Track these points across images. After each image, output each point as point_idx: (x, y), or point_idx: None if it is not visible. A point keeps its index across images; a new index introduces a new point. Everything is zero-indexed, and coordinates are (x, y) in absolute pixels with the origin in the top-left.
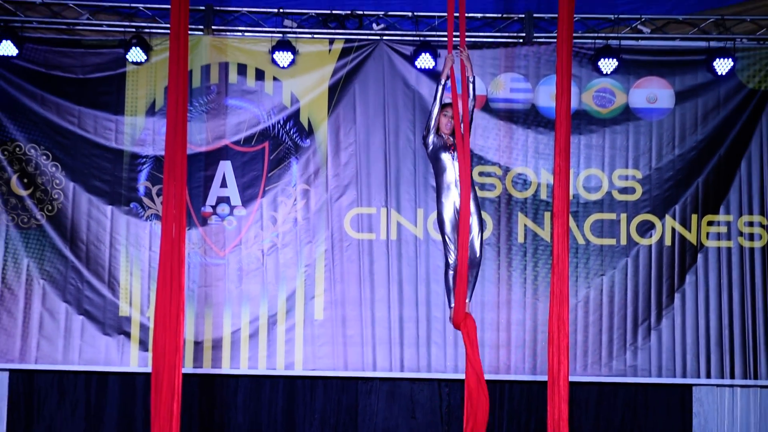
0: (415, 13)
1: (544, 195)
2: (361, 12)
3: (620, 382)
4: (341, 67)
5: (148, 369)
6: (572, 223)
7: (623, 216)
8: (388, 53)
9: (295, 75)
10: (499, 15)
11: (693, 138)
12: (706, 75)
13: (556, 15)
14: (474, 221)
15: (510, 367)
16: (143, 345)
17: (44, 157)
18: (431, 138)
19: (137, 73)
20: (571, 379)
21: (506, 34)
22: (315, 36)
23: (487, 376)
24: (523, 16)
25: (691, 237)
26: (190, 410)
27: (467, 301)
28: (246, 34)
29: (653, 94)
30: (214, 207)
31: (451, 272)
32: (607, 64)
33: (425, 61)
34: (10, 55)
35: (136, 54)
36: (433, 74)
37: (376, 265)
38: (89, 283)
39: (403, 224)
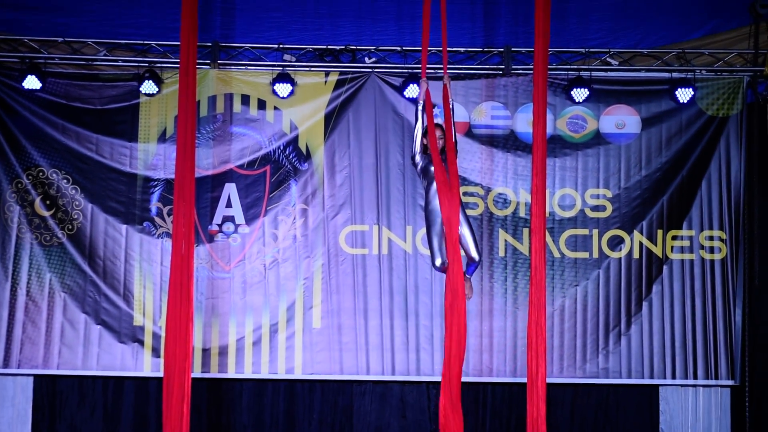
0: (404, 48)
1: (522, 213)
2: (354, 47)
3: (593, 383)
4: (336, 97)
5: (160, 374)
6: (549, 239)
7: (595, 231)
8: (379, 84)
9: (294, 104)
10: (481, 49)
11: (658, 160)
12: (669, 103)
13: (532, 49)
14: (465, 231)
15: (492, 370)
16: (156, 352)
17: (65, 181)
18: (418, 157)
19: (150, 104)
20: (549, 380)
21: (487, 66)
22: (312, 69)
23: (471, 379)
24: (502, 50)
25: (657, 250)
26: (198, 412)
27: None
28: (249, 67)
29: (621, 120)
30: (220, 225)
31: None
32: (579, 94)
33: (413, 91)
34: (34, 88)
35: (148, 86)
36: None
37: (369, 278)
38: (106, 296)
39: (394, 240)
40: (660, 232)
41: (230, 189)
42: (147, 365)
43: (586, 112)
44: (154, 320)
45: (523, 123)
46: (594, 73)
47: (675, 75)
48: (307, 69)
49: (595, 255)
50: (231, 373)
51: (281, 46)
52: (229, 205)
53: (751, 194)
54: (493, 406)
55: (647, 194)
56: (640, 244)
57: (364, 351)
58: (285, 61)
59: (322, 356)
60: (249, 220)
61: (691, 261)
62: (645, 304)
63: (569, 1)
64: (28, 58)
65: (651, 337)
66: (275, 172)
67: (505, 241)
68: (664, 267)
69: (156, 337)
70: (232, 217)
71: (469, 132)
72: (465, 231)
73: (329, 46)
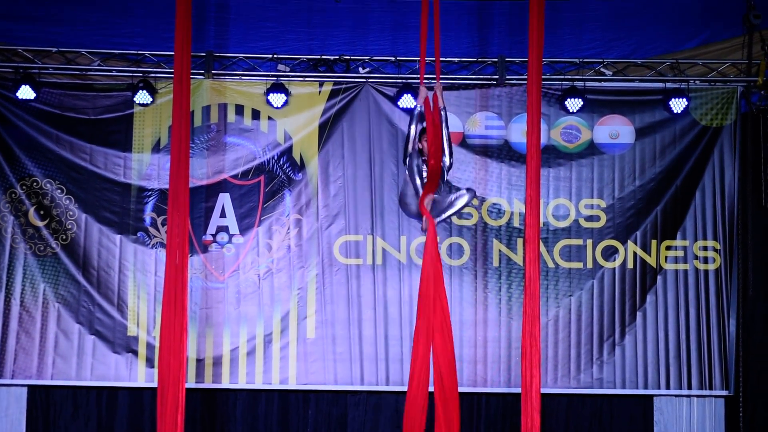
0: (398, 58)
1: (516, 223)
2: (348, 57)
3: (587, 393)
4: (330, 107)
5: (155, 384)
6: (543, 249)
7: (589, 242)
8: (373, 94)
9: (288, 114)
10: (475, 59)
11: (652, 170)
12: (663, 113)
13: (526, 59)
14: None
15: (487, 381)
16: (150, 362)
17: (59, 191)
18: (408, 161)
19: (144, 114)
20: (543, 390)
21: (481, 77)
22: (306, 79)
23: (466, 389)
24: (496, 60)
25: (651, 260)
26: (193, 422)
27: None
28: (243, 77)
29: (615, 130)
30: (214, 235)
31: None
32: (573, 104)
33: (407, 101)
34: (28, 98)
35: (142, 96)
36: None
37: (363, 288)
38: (100, 306)
39: (388, 250)
40: (654, 243)
41: (224, 199)
42: (141, 375)
43: (580, 123)
44: (148, 330)
45: (517, 133)
46: (588, 84)
47: (669, 85)
48: (301, 79)
49: (590, 265)
50: (225, 384)
51: (275, 56)
52: (223, 215)
53: (744, 204)
54: (488, 417)
55: (641, 204)
56: (634, 254)
57: (359, 361)
58: (279, 71)
59: (317, 366)
60: (243, 230)
61: (685, 271)
62: (639, 315)
63: (563, 11)
64: (22, 68)
65: (645, 348)
66: (269, 182)
67: (500, 251)
68: (658, 277)
69: (150, 347)
70: (227, 227)
71: (463, 142)
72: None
73: (323, 56)
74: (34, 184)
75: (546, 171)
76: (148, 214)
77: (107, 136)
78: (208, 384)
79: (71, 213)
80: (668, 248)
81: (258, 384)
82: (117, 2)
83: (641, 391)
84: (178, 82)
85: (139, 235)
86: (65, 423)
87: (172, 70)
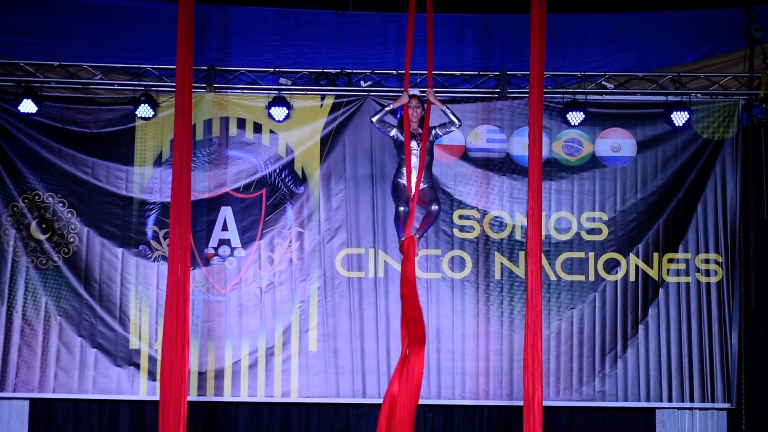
0: (400, 72)
1: (518, 236)
2: (350, 70)
3: (590, 406)
4: (332, 120)
5: (157, 397)
6: (545, 261)
7: (591, 254)
8: (374, 107)
9: (290, 128)
10: (476, 72)
11: (654, 183)
12: (664, 126)
13: (528, 72)
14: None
15: (489, 393)
16: (152, 375)
17: (61, 205)
18: (394, 132)
19: (146, 128)
20: (545, 403)
21: (483, 90)
22: (308, 93)
23: (467, 402)
24: (497, 73)
25: (653, 273)
26: None
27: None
28: (245, 91)
29: (617, 143)
30: (216, 249)
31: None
32: (575, 117)
33: None
34: (30, 112)
35: (144, 110)
36: None
37: (365, 301)
38: (102, 319)
39: (390, 263)
40: (656, 255)
41: (226, 212)
42: (143, 388)
43: (582, 136)
44: (150, 343)
45: (519, 146)
46: (589, 97)
47: (670, 98)
48: (303, 92)
49: (591, 278)
50: (227, 397)
51: (277, 69)
52: (225, 228)
53: (746, 217)
54: (490, 430)
55: (643, 217)
56: (636, 267)
57: (360, 374)
58: (281, 84)
59: (319, 379)
60: (245, 243)
61: (687, 284)
62: (641, 327)
63: (564, 24)
64: (24, 81)
65: (647, 360)
66: (271, 196)
67: (502, 264)
68: (660, 290)
69: (152, 360)
70: (228, 240)
71: (465, 155)
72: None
73: (325, 70)
74: (36, 197)
75: (548, 184)
76: (150, 228)
77: (109, 149)
78: (210, 397)
79: (73, 226)
80: (670, 261)
81: (260, 397)
82: (119, 16)
83: (643, 404)
84: (179, 96)
85: (140, 248)
86: None
87: (174, 84)
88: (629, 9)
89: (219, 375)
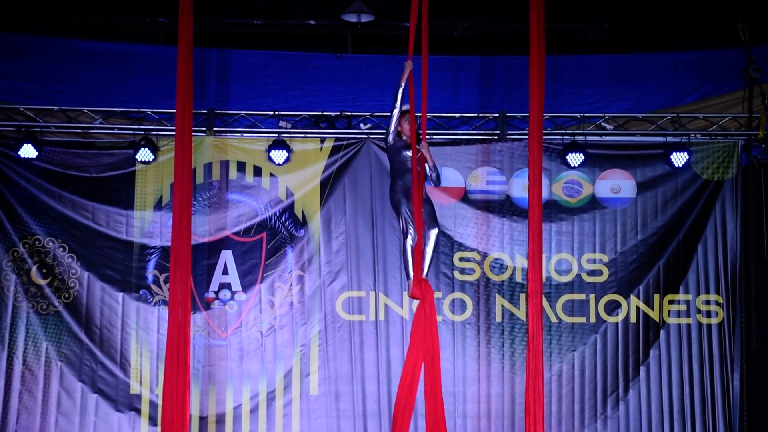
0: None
1: (519, 278)
2: (349, 113)
3: None
4: (332, 163)
5: None
6: (545, 303)
7: (592, 296)
8: (374, 150)
9: (290, 171)
10: (476, 114)
11: (654, 224)
12: (664, 167)
13: (527, 114)
14: (426, 206)
15: None
16: (152, 420)
17: (61, 249)
18: (391, 137)
19: (146, 172)
20: None
21: (482, 132)
22: (307, 135)
23: None
24: (497, 115)
25: (654, 315)
26: None
27: (423, 274)
28: (245, 134)
29: (617, 184)
30: (216, 292)
31: (409, 243)
32: (575, 158)
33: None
34: (30, 157)
35: (144, 154)
36: None
37: (366, 345)
38: (103, 364)
39: (391, 306)
40: (657, 297)
41: (227, 256)
42: None
43: (582, 177)
44: (151, 388)
45: (519, 188)
46: (589, 138)
47: (670, 139)
48: (303, 135)
49: (592, 320)
50: None
51: (276, 112)
52: (225, 272)
53: (747, 258)
54: None
55: (643, 258)
56: (637, 308)
57: (362, 418)
58: (280, 127)
59: (320, 423)
60: (245, 287)
61: (689, 325)
62: (642, 369)
63: (563, 66)
64: (24, 126)
65: (649, 402)
66: (271, 239)
67: (502, 306)
68: (662, 331)
69: (153, 405)
70: (229, 284)
71: (465, 197)
72: (427, 209)
73: (324, 113)
74: (37, 242)
75: (548, 226)
76: (151, 272)
77: (109, 193)
78: None
79: (73, 271)
80: (671, 302)
81: None
82: (118, 60)
83: None
84: (179, 140)
85: (141, 292)
86: None
87: (174, 128)
88: (628, 50)
89: (220, 420)
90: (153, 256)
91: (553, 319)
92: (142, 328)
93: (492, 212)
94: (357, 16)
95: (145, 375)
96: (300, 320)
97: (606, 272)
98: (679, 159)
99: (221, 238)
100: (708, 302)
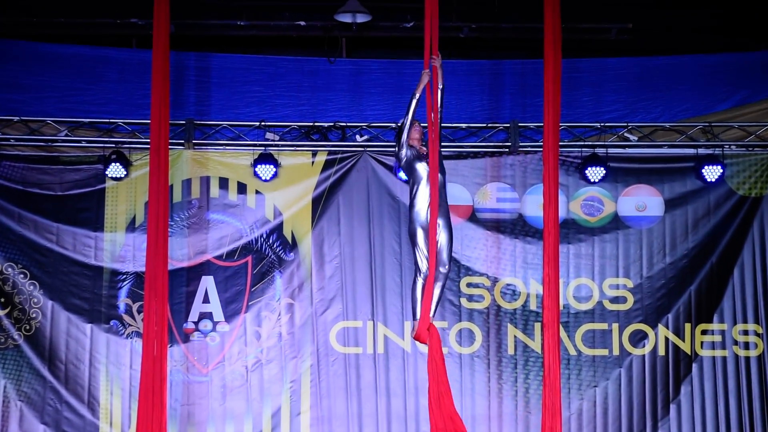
0: (399, 124)
1: (533, 305)
2: (344, 123)
3: None
4: (325, 179)
5: None
6: (563, 334)
7: (615, 326)
8: (372, 164)
9: (278, 188)
10: (484, 124)
11: (684, 246)
12: (695, 182)
13: (541, 123)
14: (443, 235)
15: None
16: None
17: (21, 276)
18: (404, 151)
19: (117, 189)
20: None
21: (492, 144)
22: (297, 148)
23: None
24: (508, 125)
25: (685, 346)
26: None
27: (431, 315)
28: (227, 147)
29: (642, 202)
30: (196, 323)
31: (420, 281)
32: (595, 173)
33: None
34: None
35: (115, 170)
36: None
37: (363, 380)
38: (68, 404)
39: (391, 337)
40: (688, 326)
41: (207, 282)
42: None
43: (603, 194)
44: (122, 430)
45: (533, 206)
46: (610, 150)
47: (701, 151)
48: (292, 148)
49: (616, 352)
50: None
51: (263, 123)
52: (206, 300)
53: None
54: None
55: (672, 284)
56: (666, 339)
57: None
58: (267, 139)
59: None
60: (229, 316)
61: (724, 358)
62: (673, 407)
63: (581, 70)
64: None
65: None
66: (258, 263)
67: (515, 337)
68: (694, 365)
69: None
70: (210, 313)
71: (473, 216)
72: (443, 239)
73: (316, 123)
74: None
75: (565, 248)
76: (123, 301)
77: (76, 213)
78: None
79: (36, 300)
80: (704, 332)
81: None
82: (86, 66)
83: None
84: (155, 154)
85: (112, 323)
86: None
87: (148, 140)
88: (653, 53)
89: None
90: (125, 283)
91: (572, 352)
92: (112, 364)
93: (503, 233)
94: (352, 16)
95: (116, 415)
96: (290, 353)
97: (630, 299)
98: (711, 173)
99: (201, 262)
100: (746, 332)
